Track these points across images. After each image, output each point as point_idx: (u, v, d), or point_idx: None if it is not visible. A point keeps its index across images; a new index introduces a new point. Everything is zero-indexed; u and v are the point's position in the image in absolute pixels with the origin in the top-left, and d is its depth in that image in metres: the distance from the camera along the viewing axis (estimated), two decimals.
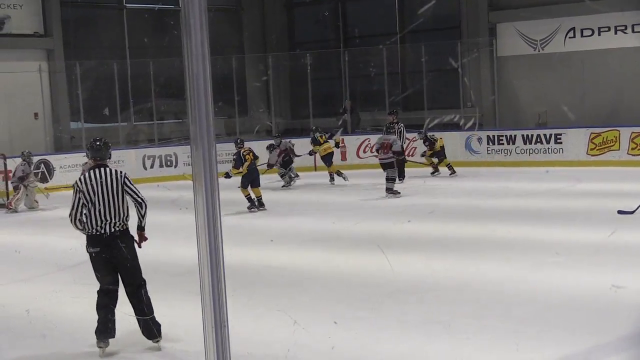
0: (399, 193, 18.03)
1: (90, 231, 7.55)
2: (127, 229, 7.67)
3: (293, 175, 21.79)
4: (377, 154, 18.82)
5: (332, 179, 21.50)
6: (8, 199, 19.75)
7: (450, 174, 21.36)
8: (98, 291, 7.69)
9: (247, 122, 29.33)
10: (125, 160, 24.12)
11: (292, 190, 20.90)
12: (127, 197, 7.64)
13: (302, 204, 18.33)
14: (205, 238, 3.71)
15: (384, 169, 18.30)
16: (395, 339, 7.74)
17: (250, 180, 17.31)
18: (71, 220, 7.60)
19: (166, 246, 12.67)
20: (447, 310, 8.57)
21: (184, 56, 3.41)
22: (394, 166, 18.37)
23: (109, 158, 7.89)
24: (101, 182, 7.53)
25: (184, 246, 11.23)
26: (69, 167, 23.59)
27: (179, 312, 8.83)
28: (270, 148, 22.11)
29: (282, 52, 30.38)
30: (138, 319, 7.69)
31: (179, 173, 24.28)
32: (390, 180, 18.13)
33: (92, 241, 7.56)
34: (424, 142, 22.10)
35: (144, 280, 7.75)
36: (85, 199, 7.50)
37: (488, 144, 24.16)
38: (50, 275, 11.39)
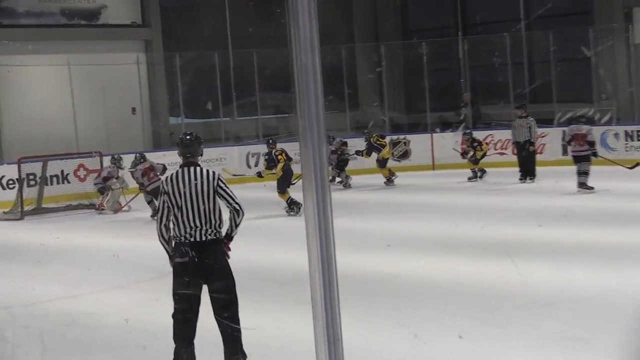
0: (593, 188, 17.78)
1: (177, 239, 7.17)
2: (221, 238, 7.25)
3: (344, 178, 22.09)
4: (570, 145, 18.38)
5: (389, 180, 21.69)
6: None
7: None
8: (174, 317, 7.23)
9: (358, 117, 29.37)
10: (228, 158, 24.47)
11: (404, 190, 20.84)
12: (221, 202, 7.23)
13: (417, 205, 18.27)
14: (316, 242, 3.71)
15: (576, 162, 18.05)
16: (527, 358, 7.59)
17: (289, 182, 17.36)
18: (157, 227, 7.21)
19: (272, 251, 12.79)
20: (586, 326, 8.35)
21: (292, 46, 3.42)
22: (589, 159, 18.02)
23: (201, 155, 7.54)
24: (190, 183, 7.15)
25: (292, 251, 11.29)
26: (168, 164, 23.98)
27: (287, 324, 8.87)
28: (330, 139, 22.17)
29: (396, 41, 30.30)
30: (225, 344, 7.27)
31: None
32: (583, 174, 17.87)
33: (180, 249, 7.14)
34: (471, 143, 21.80)
35: (236, 298, 7.28)
36: (171, 202, 7.12)
37: (626, 140, 23.55)
38: (151, 282, 11.57)
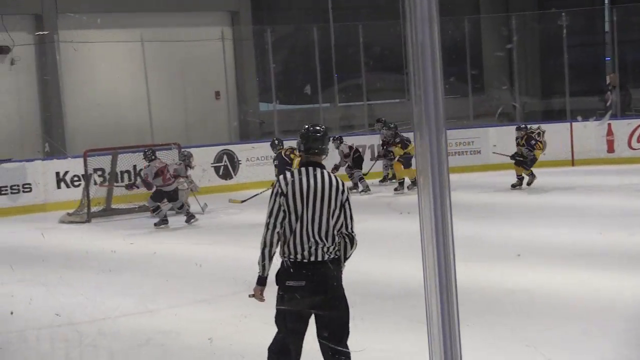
0: None
1: (291, 256, 6.83)
2: (339, 258, 6.98)
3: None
4: None
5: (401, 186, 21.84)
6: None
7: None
8: (273, 350, 7.12)
9: (484, 103, 29.18)
10: (330, 151, 24.55)
11: (537, 190, 20.65)
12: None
13: (553, 207, 18.13)
14: (432, 250, 3.74)
15: None
16: None
17: None
18: (265, 234, 6.83)
19: (380, 261, 12.83)
20: None
21: (406, 19, 3.47)
22: None
23: (325, 155, 7.25)
24: (315, 187, 6.85)
25: (402, 260, 11.32)
26: (258, 159, 24.19)
27: (397, 345, 8.92)
28: (337, 141, 22.70)
29: (530, 12, 30.02)
30: None
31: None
32: None
33: (294, 271, 6.82)
34: (526, 141, 21.25)
35: (349, 331, 7.06)
36: (288, 207, 6.80)
37: None
38: (238, 296, 11.68)
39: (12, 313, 11.37)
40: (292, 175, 6.90)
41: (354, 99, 28.46)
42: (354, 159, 22.47)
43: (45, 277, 13.84)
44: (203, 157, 23.52)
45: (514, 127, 22.41)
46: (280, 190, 6.83)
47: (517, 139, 21.36)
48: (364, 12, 28.07)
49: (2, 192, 21.53)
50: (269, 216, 6.84)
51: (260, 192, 19.15)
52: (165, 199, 18.64)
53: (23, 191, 21.85)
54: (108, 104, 25.75)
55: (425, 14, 3.31)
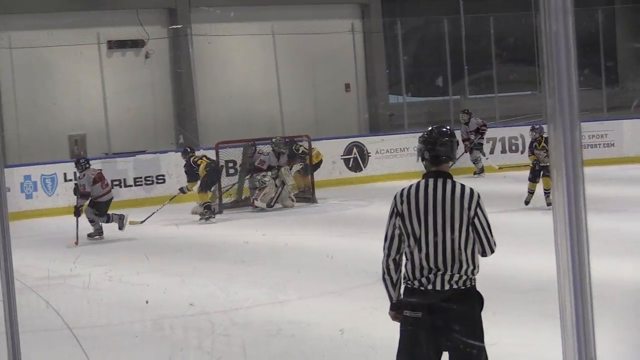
0: None
1: (409, 282, 5.94)
2: (473, 286, 5.91)
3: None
4: None
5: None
6: (312, 190, 20.62)
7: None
8: None
9: (618, 95, 28.64)
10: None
11: None
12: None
13: None
14: (566, 245, 3.70)
15: None
16: None
17: (213, 183, 19.03)
18: (382, 261, 6.06)
19: (511, 253, 12.70)
20: None
21: (540, 10, 3.44)
22: None
23: (453, 162, 6.27)
24: (435, 203, 5.86)
25: (535, 254, 11.18)
26: (387, 152, 24.16)
27: (530, 338, 8.82)
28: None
29: None
30: None
31: (524, 161, 24.21)
32: None
33: (411, 299, 5.95)
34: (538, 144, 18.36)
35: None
36: (405, 228, 5.89)
37: None
38: (369, 288, 11.64)
39: (147, 302, 11.55)
40: (410, 192, 5.92)
41: (484, 91, 28.23)
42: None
43: (179, 268, 14.11)
44: (333, 149, 23.61)
45: None
46: (395, 210, 5.92)
47: (531, 142, 18.61)
48: (495, 3, 27.79)
49: (137, 183, 21.92)
50: (384, 240, 6.00)
51: (157, 210, 19.46)
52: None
53: (157, 182, 22.20)
54: (239, 96, 25.99)
55: (559, 4, 3.26)
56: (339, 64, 27.34)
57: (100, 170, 18.09)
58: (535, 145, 18.23)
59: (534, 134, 18.31)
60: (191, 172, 19.00)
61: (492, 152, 24.69)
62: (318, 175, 21.66)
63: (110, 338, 9.89)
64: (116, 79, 25.43)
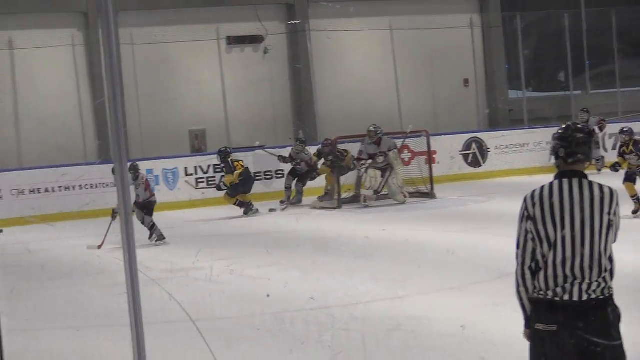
0: None
1: (541, 292, 5.39)
2: (612, 295, 5.34)
3: None
4: None
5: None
6: (431, 186, 20.49)
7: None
8: None
9: None
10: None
11: None
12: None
13: None
14: None
15: None
16: None
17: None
18: (516, 271, 5.51)
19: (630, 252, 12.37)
20: None
21: None
22: None
23: (589, 162, 5.64)
24: (572, 205, 5.36)
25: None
26: (507, 147, 23.91)
27: None
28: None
29: None
30: None
31: None
32: None
33: (544, 311, 5.38)
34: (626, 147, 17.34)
35: None
36: (538, 233, 5.39)
37: None
38: (490, 284, 11.58)
39: (268, 296, 11.58)
40: (543, 194, 5.40)
41: (606, 86, 27.75)
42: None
43: (299, 262, 14.15)
44: (452, 145, 23.47)
45: None
46: (526, 213, 5.40)
47: (620, 146, 17.53)
48: None
49: (257, 178, 21.98)
50: (517, 247, 5.48)
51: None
52: None
53: (275, 177, 22.29)
54: (357, 91, 26.00)
55: None
56: (458, 59, 27.19)
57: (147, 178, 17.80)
58: (624, 150, 17.21)
59: (624, 137, 17.22)
60: (229, 167, 19.56)
61: (614, 147, 24.21)
62: (437, 171, 21.53)
63: (232, 330, 9.92)
64: (235, 74, 25.65)
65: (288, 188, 20.65)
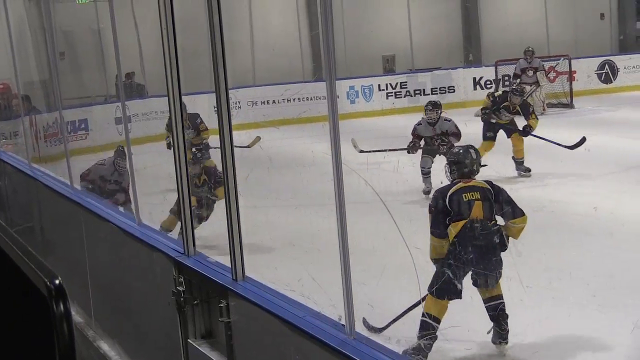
0: None
1: None
2: None
3: None
4: None
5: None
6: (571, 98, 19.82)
7: None
8: None
9: None
10: None
11: None
12: None
13: None
14: None
15: None
16: None
17: None
18: None
19: None
20: None
21: None
22: None
23: None
24: None
25: None
26: (633, 67, 23.18)
27: None
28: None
29: None
30: None
31: None
32: None
33: None
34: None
35: None
36: None
37: None
38: (617, 175, 11.32)
39: (442, 182, 11.51)
40: None
41: None
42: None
43: None
44: (589, 66, 22.80)
45: None
46: None
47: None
48: None
49: (433, 92, 21.83)
50: None
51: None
52: None
53: (448, 92, 22.06)
54: (515, 23, 25.28)
55: None
56: None
57: None
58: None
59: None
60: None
61: None
62: (576, 87, 20.90)
63: (411, 211, 9.95)
64: (419, 11, 25.32)
65: None
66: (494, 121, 12.38)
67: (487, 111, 12.42)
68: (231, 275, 4.28)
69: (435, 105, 11.34)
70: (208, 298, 4.58)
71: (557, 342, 5.95)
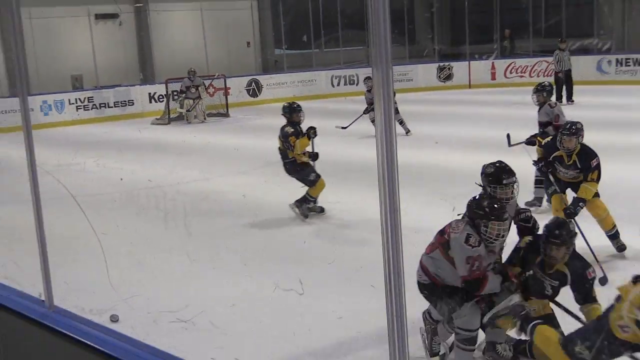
0: None
1: None
2: None
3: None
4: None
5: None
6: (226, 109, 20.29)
7: None
8: None
9: (415, 48, 28.63)
10: (317, 80, 24.30)
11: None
12: None
13: None
14: None
15: None
16: None
17: None
18: None
19: None
20: None
21: None
22: None
23: None
24: None
25: None
26: (273, 85, 24.06)
27: None
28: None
29: None
30: None
31: (360, 89, 23.99)
32: None
33: None
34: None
35: None
36: None
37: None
38: (261, 169, 11.76)
39: (121, 179, 11.40)
40: None
41: (333, 45, 27.82)
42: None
43: (141, 157, 13.86)
44: (240, 83, 23.26)
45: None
46: None
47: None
48: None
49: (116, 105, 21.45)
50: None
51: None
52: None
53: (128, 105, 21.73)
54: (179, 50, 25.22)
55: None
56: (243, 26, 26.78)
57: None
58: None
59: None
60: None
61: (338, 84, 24.55)
62: (231, 99, 21.36)
63: (99, 203, 9.74)
64: (101, 36, 24.54)
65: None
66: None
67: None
68: None
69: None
70: None
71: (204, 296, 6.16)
